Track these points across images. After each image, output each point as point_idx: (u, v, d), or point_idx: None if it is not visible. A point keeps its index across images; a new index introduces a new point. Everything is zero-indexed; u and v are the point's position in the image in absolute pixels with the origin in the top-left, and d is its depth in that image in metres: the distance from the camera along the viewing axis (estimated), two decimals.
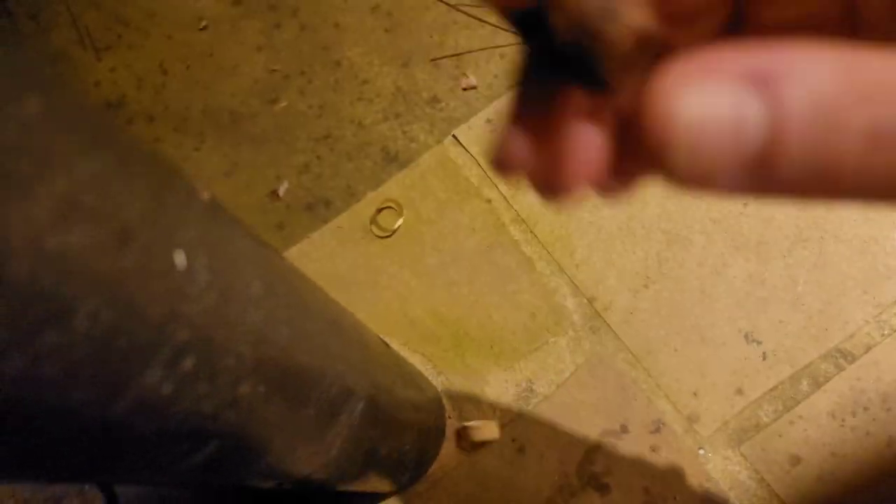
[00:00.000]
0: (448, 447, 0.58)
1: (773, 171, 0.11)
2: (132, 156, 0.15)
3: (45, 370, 0.13)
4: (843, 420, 0.53)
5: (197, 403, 0.19)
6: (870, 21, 0.15)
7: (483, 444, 0.56)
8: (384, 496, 0.58)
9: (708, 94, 0.11)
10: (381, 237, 0.67)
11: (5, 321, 0.12)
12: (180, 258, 0.17)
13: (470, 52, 1.22)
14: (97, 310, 0.14)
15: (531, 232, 0.65)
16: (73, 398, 0.14)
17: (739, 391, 0.56)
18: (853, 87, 0.10)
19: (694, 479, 0.54)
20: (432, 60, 1.22)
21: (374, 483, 0.47)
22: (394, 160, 1.19)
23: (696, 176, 0.11)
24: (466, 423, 0.57)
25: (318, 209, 0.93)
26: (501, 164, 0.15)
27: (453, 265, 0.65)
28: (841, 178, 0.10)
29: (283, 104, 1.18)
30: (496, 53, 1.21)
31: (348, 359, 0.31)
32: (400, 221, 0.67)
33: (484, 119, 0.72)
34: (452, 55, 1.23)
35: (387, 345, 0.46)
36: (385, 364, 0.39)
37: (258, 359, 0.21)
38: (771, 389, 0.55)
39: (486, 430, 0.56)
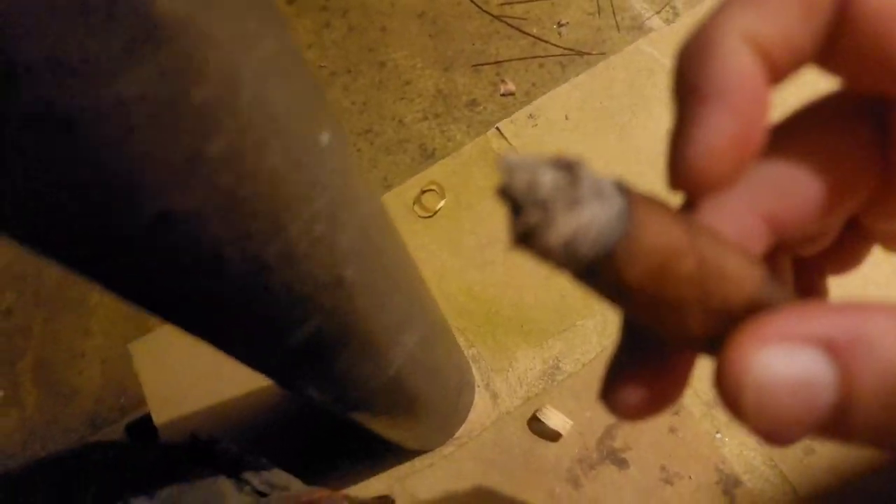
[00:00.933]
0: (475, 413, 0.62)
1: (842, 429, 0.12)
2: (294, 46, 0.19)
3: (242, 190, 0.17)
4: None
5: (317, 270, 0.22)
6: None
7: (552, 432, 0.59)
8: (412, 454, 0.61)
9: (780, 357, 0.12)
10: (424, 217, 0.71)
11: (228, 136, 0.16)
12: (325, 138, 0.20)
13: (510, 60, 1.26)
14: (279, 154, 0.18)
15: None
16: (249, 227, 0.18)
17: None
18: None
19: (709, 461, 0.57)
20: (473, 66, 1.26)
21: (411, 430, 0.51)
22: (430, 157, 1.23)
23: (764, 430, 0.12)
24: (543, 409, 0.59)
25: None
26: (618, 408, 0.15)
27: (489, 247, 0.69)
28: None
29: (329, 100, 1.23)
30: (535, 62, 1.25)
31: (415, 287, 0.35)
32: (442, 203, 0.71)
33: (527, 114, 0.76)
34: (493, 62, 1.27)
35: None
36: (435, 311, 0.42)
37: (360, 249, 0.25)
38: None
39: (560, 421, 0.59)
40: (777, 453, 0.56)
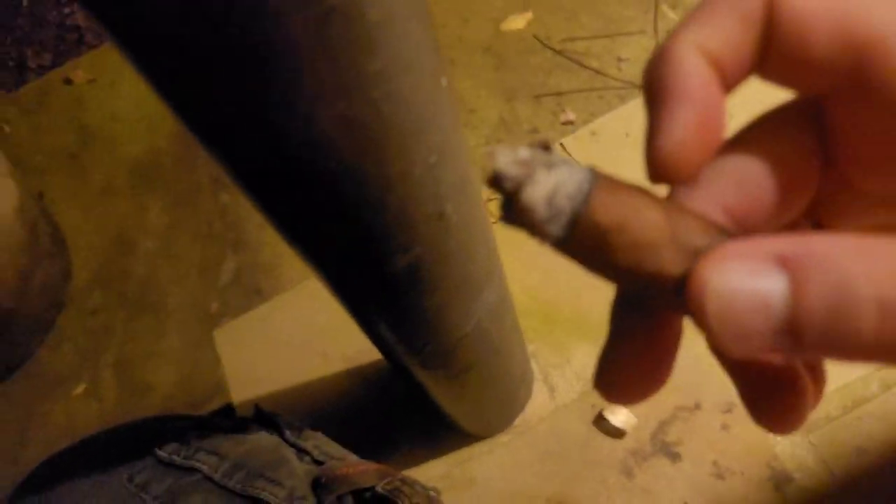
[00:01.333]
0: (532, 405, 0.65)
1: (798, 337, 0.13)
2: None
3: (386, 107, 0.22)
4: None
5: (425, 198, 0.27)
6: None
7: (616, 429, 0.62)
8: (471, 440, 0.64)
9: (739, 270, 0.13)
10: (491, 223, 0.76)
11: (384, 56, 0.21)
12: (444, 81, 0.25)
13: (571, 91, 1.31)
14: (417, 82, 0.23)
15: None
16: (388, 141, 0.23)
17: None
18: (864, 267, 0.12)
19: (762, 458, 0.58)
20: (535, 97, 1.32)
21: (473, 407, 0.54)
22: None
23: (726, 338, 0.13)
24: (610, 406, 0.62)
25: None
26: (611, 392, 0.17)
27: (549, 253, 0.73)
28: (861, 344, 0.12)
29: None
30: (595, 94, 1.30)
31: (492, 250, 0.39)
32: None
33: (590, 132, 0.80)
34: (554, 94, 1.32)
35: None
36: (505, 283, 0.47)
37: (460, 189, 0.30)
38: (841, 387, 0.60)
39: (627, 420, 0.62)
40: (829, 453, 0.57)
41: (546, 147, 0.15)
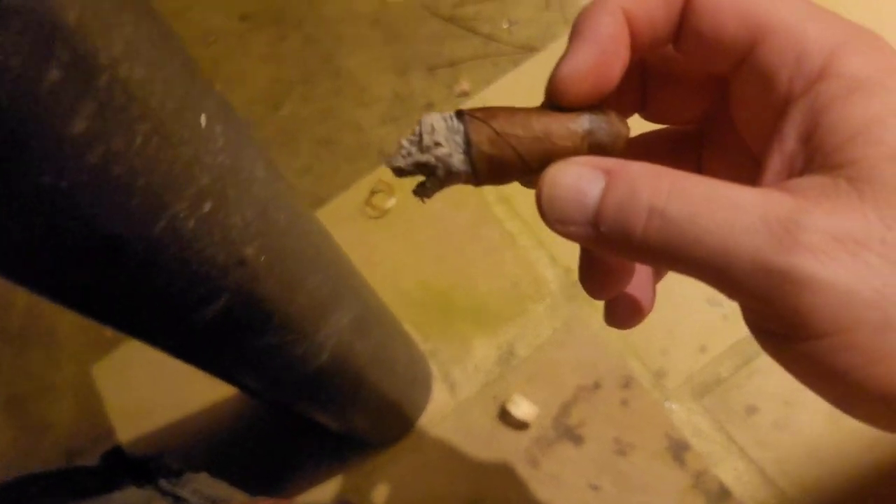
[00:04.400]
0: (434, 404, 0.63)
1: (599, 225, 0.17)
2: (170, 33, 0.20)
3: (114, 168, 0.18)
4: None
5: (213, 248, 0.24)
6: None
7: (519, 422, 0.60)
8: (373, 449, 0.62)
9: (571, 171, 0.17)
10: (375, 217, 0.72)
11: (87, 117, 0.17)
12: (203, 119, 0.22)
13: (464, 61, 1.28)
14: (150, 134, 0.19)
15: (514, 210, 0.70)
16: (130, 203, 0.19)
17: (703, 349, 0.61)
18: (650, 183, 0.16)
19: (660, 429, 0.58)
20: (428, 69, 1.28)
21: (366, 421, 0.52)
22: None
23: (552, 222, 0.17)
24: (512, 399, 0.61)
25: (318, 207, 0.98)
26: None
27: (442, 241, 0.71)
28: (635, 241, 0.16)
29: (287, 111, 1.23)
30: (488, 62, 1.27)
31: (338, 270, 0.36)
32: (392, 201, 0.72)
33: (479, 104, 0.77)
34: (447, 64, 1.29)
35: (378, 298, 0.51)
36: (369, 294, 0.44)
37: (261, 229, 0.26)
38: (731, 346, 0.60)
39: (530, 411, 0.60)
40: (722, 414, 0.58)
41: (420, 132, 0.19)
